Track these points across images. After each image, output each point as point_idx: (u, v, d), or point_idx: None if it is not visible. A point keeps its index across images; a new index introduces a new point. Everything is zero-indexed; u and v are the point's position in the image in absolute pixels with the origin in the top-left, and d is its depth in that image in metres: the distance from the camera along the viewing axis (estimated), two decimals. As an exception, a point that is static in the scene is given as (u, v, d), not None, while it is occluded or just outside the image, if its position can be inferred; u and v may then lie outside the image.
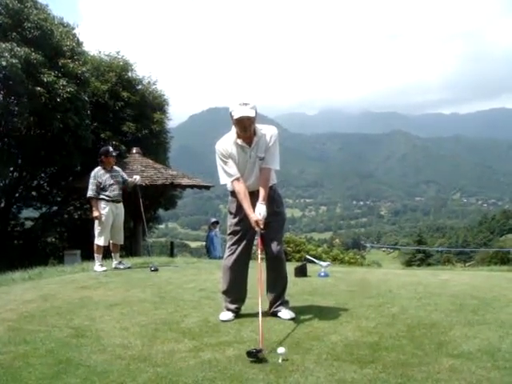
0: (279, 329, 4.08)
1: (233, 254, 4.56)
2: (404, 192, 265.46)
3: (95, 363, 3.35)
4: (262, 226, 4.24)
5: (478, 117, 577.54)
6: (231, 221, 4.58)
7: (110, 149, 8.79)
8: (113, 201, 8.46)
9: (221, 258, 14.53)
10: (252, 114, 4.18)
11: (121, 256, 9.08)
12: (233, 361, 3.33)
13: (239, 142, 4.34)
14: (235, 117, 4.18)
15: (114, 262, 8.60)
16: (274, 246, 4.50)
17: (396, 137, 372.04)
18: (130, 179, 8.85)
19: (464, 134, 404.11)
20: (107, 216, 8.41)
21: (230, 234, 4.59)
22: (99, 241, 8.47)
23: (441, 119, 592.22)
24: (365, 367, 3.16)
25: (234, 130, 4.37)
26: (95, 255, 8.47)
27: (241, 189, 4.35)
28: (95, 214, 8.39)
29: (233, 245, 4.57)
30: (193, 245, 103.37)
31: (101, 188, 8.40)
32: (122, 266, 8.53)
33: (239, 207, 4.46)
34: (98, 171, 8.48)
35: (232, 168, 4.37)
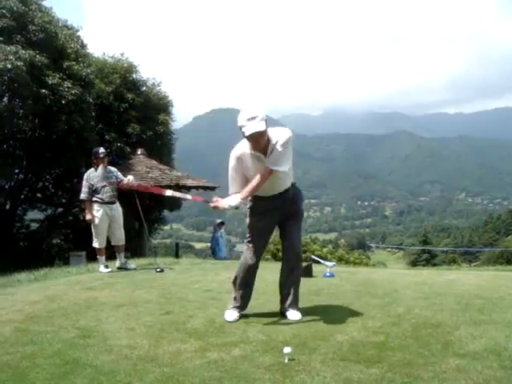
0: (285, 329, 4.08)
1: (252, 251, 4.57)
2: (408, 192, 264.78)
3: (102, 363, 3.36)
4: (214, 208, 4.41)
5: (482, 116, 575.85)
6: (253, 218, 4.58)
7: (101, 149, 8.61)
8: (106, 203, 8.29)
9: (226, 259, 14.57)
10: (262, 127, 4.10)
11: (126, 257, 8.95)
12: (239, 361, 3.34)
13: (254, 152, 4.29)
14: (246, 134, 4.10)
15: (118, 262, 8.55)
16: (297, 243, 4.61)
17: (400, 137, 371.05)
18: (124, 179, 8.58)
19: (468, 134, 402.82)
20: (101, 219, 8.27)
21: (250, 231, 4.59)
22: (96, 243, 8.38)
23: (445, 119, 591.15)
24: (371, 367, 3.16)
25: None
26: (98, 257, 8.46)
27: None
28: (88, 216, 8.28)
29: (251, 242, 4.59)
30: (197, 246, 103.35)
31: (93, 190, 8.26)
32: (128, 267, 8.48)
33: (261, 205, 4.51)
34: (90, 173, 8.37)
35: (234, 186, 4.46)
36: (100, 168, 8.35)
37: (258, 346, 3.62)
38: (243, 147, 4.34)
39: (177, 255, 17.96)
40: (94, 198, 8.26)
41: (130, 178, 8.63)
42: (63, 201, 21.67)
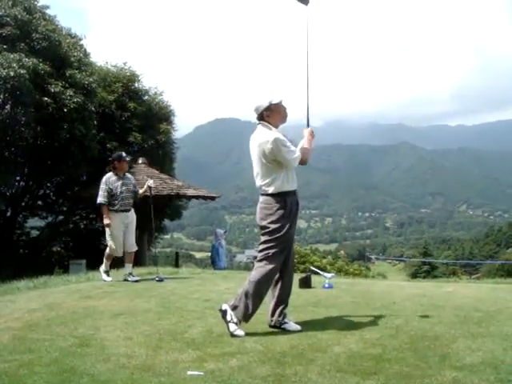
0: (283, 339, 4.08)
1: (280, 262, 4.46)
2: (410, 204, 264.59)
3: (99, 372, 3.36)
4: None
5: (484, 129, 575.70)
6: (284, 223, 4.39)
7: (124, 154, 8.29)
8: (123, 210, 8.03)
9: (225, 268, 14.57)
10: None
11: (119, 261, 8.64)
12: (236, 371, 3.34)
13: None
14: (280, 99, 4.54)
15: (125, 273, 8.18)
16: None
17: (402, 148, 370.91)
18: (140, 190, 8.37)
19: (470, 146, 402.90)
20: (117, 227, 8.02)
21: (280, 241, 4.38)
22: (112, 251, 8.11)
23: (447, 131, 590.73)
24: (368, 379, 3.16)
25: (268, 126, 4.52)
26: (104, 260, 8.18)
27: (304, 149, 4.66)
28: (106, 221, 7.97)
29: (283, 252, 4.45)
30: (198, 255, 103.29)
31: (111, 195, 7.95)
32: (130, 279, 8.02)
33: (293, 210, 4.49)
34: (109, 177, 8.04)
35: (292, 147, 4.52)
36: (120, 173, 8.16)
37: (256, 357, 3.62)
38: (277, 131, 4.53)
39: (177, 265, 17.97)
40: (111, 206, 7.99)
41: (151, 181, 8.50)
42: (64, 208, 21.69)
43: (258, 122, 4.58)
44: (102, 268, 8.19)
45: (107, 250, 8.17)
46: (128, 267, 8.22)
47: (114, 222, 8.00)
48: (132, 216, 8.23)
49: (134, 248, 8.33)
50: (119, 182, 8.03)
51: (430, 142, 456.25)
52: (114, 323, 4.81)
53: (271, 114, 4.52)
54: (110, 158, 8.49)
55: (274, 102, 4.50)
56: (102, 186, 7.98)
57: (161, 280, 7.96)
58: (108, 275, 8.13)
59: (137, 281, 8.01)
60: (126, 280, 8.05)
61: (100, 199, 7.96)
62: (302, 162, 4.55)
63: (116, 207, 7.99)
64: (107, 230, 8.08)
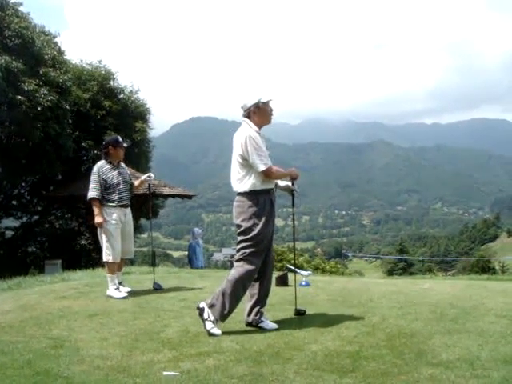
0: (259, 338, 4.07)
1: (260, 261, 4.44)
2: (386, 201, 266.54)
3: (73, 374, 3.30)
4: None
5: (458, 127, 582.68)
6: (261, 221, 4.40)
7: (120, 138, 6.86)
8: (120, 206, 6.59)
9: (203, 268, 14.51)
10: None
11: (102, 266, 7.52)
12: (212, 371, 3.31)
13: (260, 131, 4.58)
14: (267, 99, 4.56)
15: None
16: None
17: (378, 146, 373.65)
18: (135, 182, 7.04)
19: (445, 144, 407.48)
20: (115, 226, 6.53)
21: (255, 241, 4.37)
22: (108, 257, 6.49)
23: (422, 129, 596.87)
24: (345, 377, 3.16)
25: (250, 123, 4.53)
26: (108, 277, 6.53)
27: (278, 168, 4.57)
28: (98, 219, 6.42)
29: (262, 251, 4.45)
30: (175, 254, 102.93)
31: (105, 188, 6.52)
32: (122, 292, 6.49)
33: (267, 209, 4.47)
34: (102, 166, 6.60)
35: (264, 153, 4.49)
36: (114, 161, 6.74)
37: (232, 356, 3.61)
38: (252, 127, 4.54)
39: (153, 264, 17.86)
40: (106, 200, 6.54)
41: (152, 176, 7.16)
42: (39, 208, 21.43)
43: (242, 118, 4.60)
44: (110, 285, 6.51)
45: (106, 259, 6.56)
46: (118, 276, 6.78)
47: (111, 219, 6.52)
48: (129, 214, 6.85)
49: (131, 255, 7.08)
50: (115, 172, 6.64)
51: (405, 140, 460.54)
52: (89, 324, 4.75)
53: (258, 112, 4.54)
54: (103, 143, 6.96)
55: (262, 101, 4.53)
56: (94, 178, 6.53)
57: (159, 288, 6.94)
58: (118, 290, 6.50)
59: (128, 291, 6.63)
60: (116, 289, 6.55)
61: (92, 193, 6.47)
62: (268, 175, 4.48)
63: (114, 203, 6.56)
64: (98, 230, 6.61)
